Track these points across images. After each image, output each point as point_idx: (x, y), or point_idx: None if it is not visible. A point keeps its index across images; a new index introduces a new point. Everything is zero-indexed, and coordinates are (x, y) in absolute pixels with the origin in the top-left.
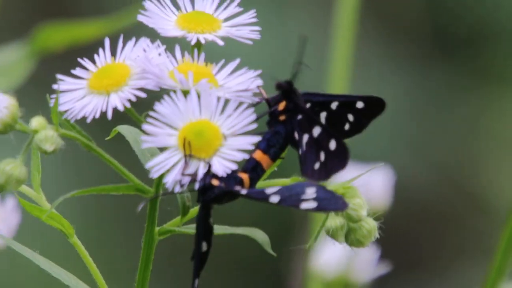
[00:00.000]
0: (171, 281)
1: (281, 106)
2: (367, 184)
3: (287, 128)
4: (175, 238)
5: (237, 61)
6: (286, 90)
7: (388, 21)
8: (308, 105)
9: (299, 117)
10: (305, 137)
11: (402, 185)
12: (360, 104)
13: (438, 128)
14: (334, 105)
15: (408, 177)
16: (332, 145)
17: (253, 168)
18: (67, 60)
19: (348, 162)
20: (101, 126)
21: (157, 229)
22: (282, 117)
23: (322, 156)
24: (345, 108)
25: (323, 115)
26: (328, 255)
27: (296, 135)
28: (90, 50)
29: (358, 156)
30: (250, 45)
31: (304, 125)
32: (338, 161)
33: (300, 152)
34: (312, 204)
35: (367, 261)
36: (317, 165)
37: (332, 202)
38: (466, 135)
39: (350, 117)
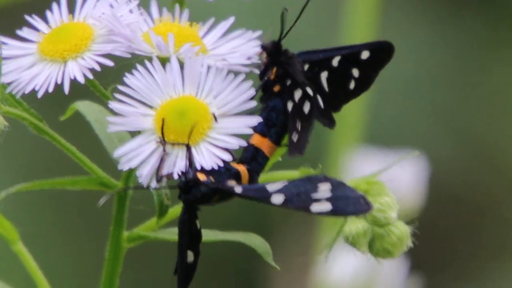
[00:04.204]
0: None
1: (273, 74)
2: (396, 178)
3: (286, 100)
4: (150, 245)
5: (231, 19)
6: (272, 52)
7: None
8: (306, 66)
9: (288, 83)
10: (290, 105)
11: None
12: (365, 54)
13: (469, 96)
14: (335, 61)
15: (436, 158)
16: (306, 107)
17: (252, 157)
18: (10, 17)
19: (312, 127)
20: (55, 103)
21: (126, 234)
22: (276, 88)
23: (299, 124)
24: (348, 62)
25: (323, 76)
26: (343, 267)
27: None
28: (40, 4)
29: (370, 136)
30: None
31: (291, 92)
32: (307, 126)
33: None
34: (326, 206)
35: (393, 275)
36: (295, 136)
37: (351, 203)
38: (505, 105)
39: (355, 72)
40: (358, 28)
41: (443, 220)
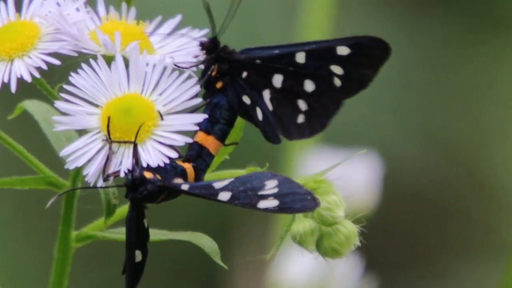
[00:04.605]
0: None
1: (214, 70)
2: (346, 177)
3: (229, 96)
4: (99, 245)
5: (178, 17)
6: (211, 49)
7: None
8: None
9: (244, 75)
10: (266, 94)
11: (393, 167)
12: (342, 50)
13: (435, 94)
14: (301, 58)
15: (400, 157)
16: (309, 86)
17: (197, 155)
18: None
19: (344, 96)
20: (3, 102)
21: (74, 233)
22: (219, 84)
23: (302, 104)
24: (321, 59)
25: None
26: (298, 267)
27: (247, 100)
28: None
29: (332, 135)
30: None
31: (255, 82)
32: (329, 99)
33: (260, 118)
34: (273, 203)
35: (349, 274)
36: (301, 118)
37: (298, 199)
38: (470, 102)
39: (337, 70)
40: (315, 26)
41: (409, 219)
